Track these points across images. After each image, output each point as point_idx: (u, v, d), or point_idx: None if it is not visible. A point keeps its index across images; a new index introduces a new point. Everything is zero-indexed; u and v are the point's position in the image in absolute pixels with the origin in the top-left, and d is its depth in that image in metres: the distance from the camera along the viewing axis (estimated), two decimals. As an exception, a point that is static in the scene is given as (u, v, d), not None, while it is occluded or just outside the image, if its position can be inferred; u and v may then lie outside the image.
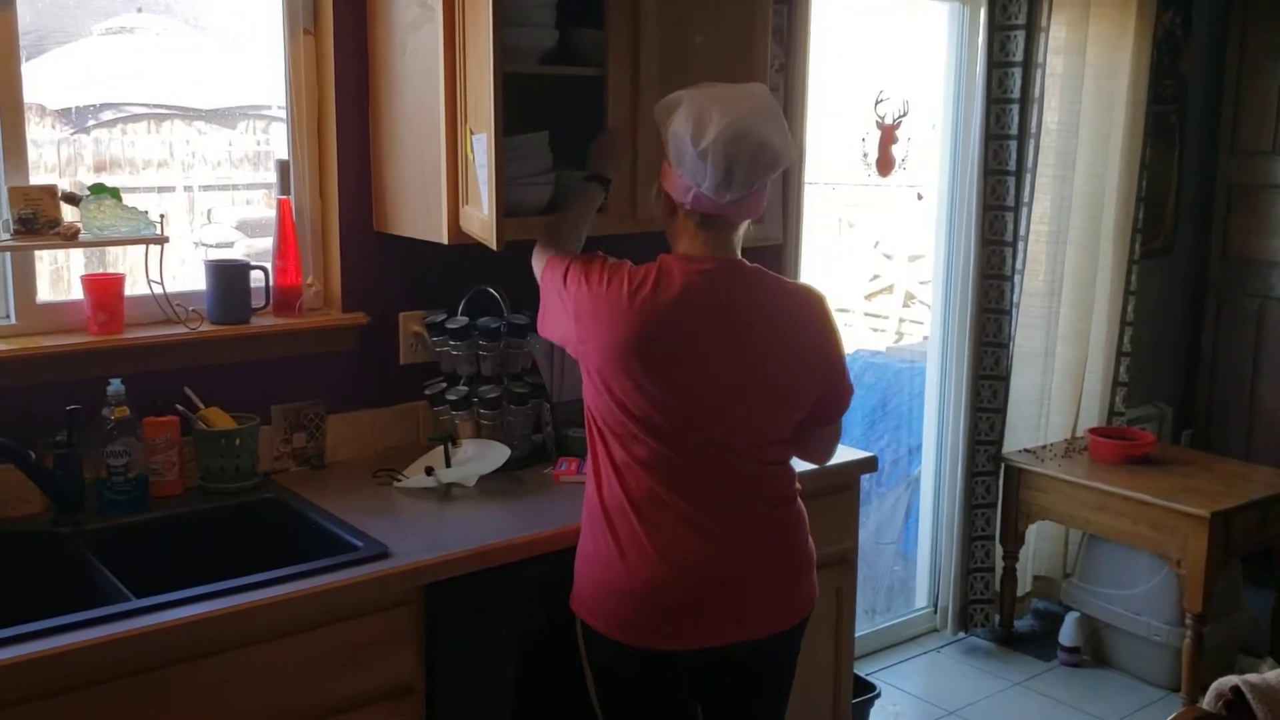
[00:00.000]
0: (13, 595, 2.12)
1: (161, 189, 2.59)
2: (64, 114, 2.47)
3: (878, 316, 6.54)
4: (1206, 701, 1.86)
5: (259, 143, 2.68)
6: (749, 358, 2.03)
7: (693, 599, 2.04)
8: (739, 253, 2.11)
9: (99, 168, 2.52)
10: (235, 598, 1.93)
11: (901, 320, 6.46)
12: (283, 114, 2.63)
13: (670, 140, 2.03)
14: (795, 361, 2.07)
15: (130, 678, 1.83)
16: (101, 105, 2.53)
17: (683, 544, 2.03)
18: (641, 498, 2.04)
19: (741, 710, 2.24)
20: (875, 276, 6.51)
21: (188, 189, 2.64)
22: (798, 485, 2.19)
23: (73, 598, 2.03)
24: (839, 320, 2.18)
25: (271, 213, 2.59)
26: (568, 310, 2.10)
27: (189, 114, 2.60)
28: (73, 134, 2.48)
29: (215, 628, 1.89)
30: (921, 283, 5.22)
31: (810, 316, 2.11)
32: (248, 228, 2.74)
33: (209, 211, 2.69)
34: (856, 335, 5.52)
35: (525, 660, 2.27)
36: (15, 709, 1.73)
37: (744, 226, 2.12)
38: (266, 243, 2.65)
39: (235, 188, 2.71)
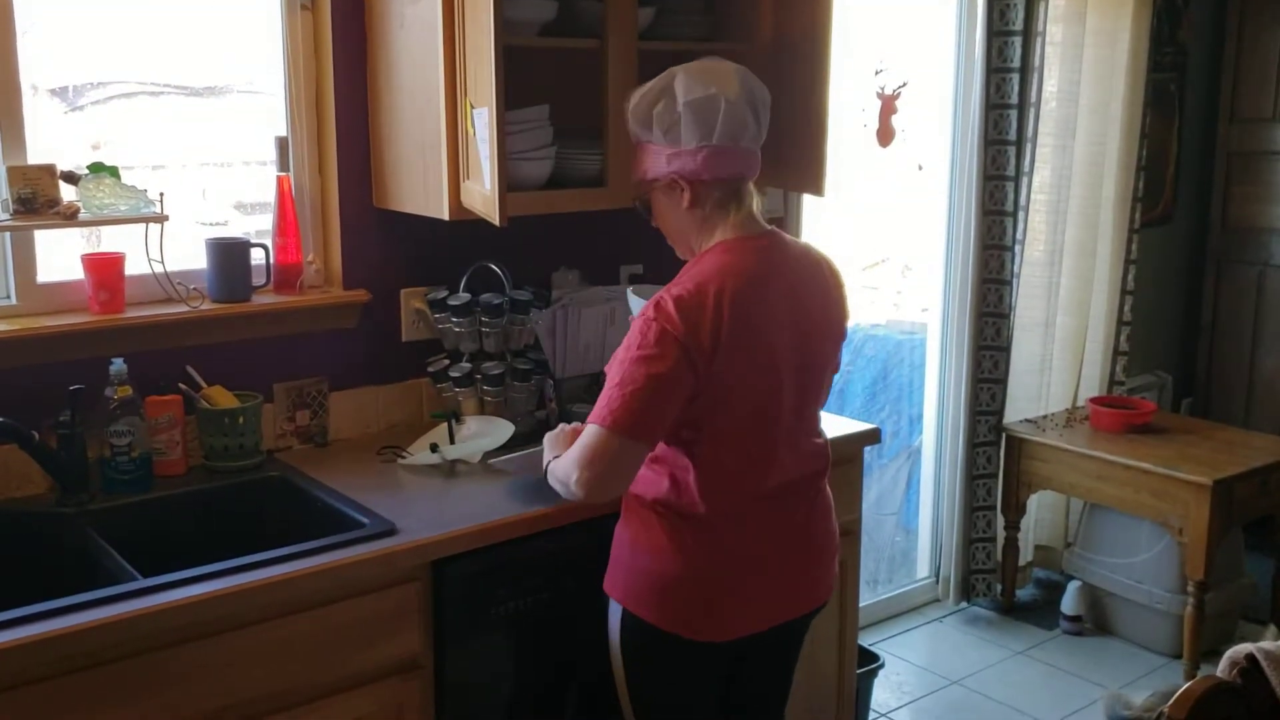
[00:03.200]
0: (18, 576, 2.12)
1: (155, 167, 2.57)
2: (58, 92, 2.45)
3: (874, 289, 6.53)
4: (1221, 670, 1.87)
5: (256, 120, 2.65)
6: (803, 330, 2.01)
7: (738, 587, 2.03)
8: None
9: (93, 146, 2.50)
10: (243, 576, 1.92)
11: (899, 292, 6.45)
12: (278, 91, 2.61)
13: (689, 112, 1.94)
14: (831, 329, 2.09)
15: (138, 657, 1.82)
16: (95, 83, 2.50)
17: (733, 533, 2.01)
18: (692, 487, 2.00)
19: (764, 695, 2.25)
20: (873, 248, 6.50)
21: (183, 167, 2.62)
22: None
23: (78, 578, 2.03)
24: None
25: (268, 191, 2.58)
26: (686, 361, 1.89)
27: (184, 91, 2.57)
28: (66, 112, 2.46)
29: (224, 606, 1.89)
30: (919, 255, 5.21)
31: (833, 282, 2.11)
32: (245, 207, 2.72)
33: (204, 190, 2.68)
34: (856, 307, 5.52)
35: (533, 635, 2.28)
36: (25, 690, 1.73)
37: (757, 194, 2.08)
38: (264, 221, 2.63)
39: (230, 165, 2.69)
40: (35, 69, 2.34)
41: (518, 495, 2.29)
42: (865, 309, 4.72)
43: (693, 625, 2.02)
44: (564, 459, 1.99)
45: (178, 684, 1.86)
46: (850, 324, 2.16)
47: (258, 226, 2.68)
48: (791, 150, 2.60)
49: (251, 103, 2.64)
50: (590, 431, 1.92)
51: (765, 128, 2.01)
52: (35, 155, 2.31)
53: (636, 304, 2.20)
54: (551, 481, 2.05)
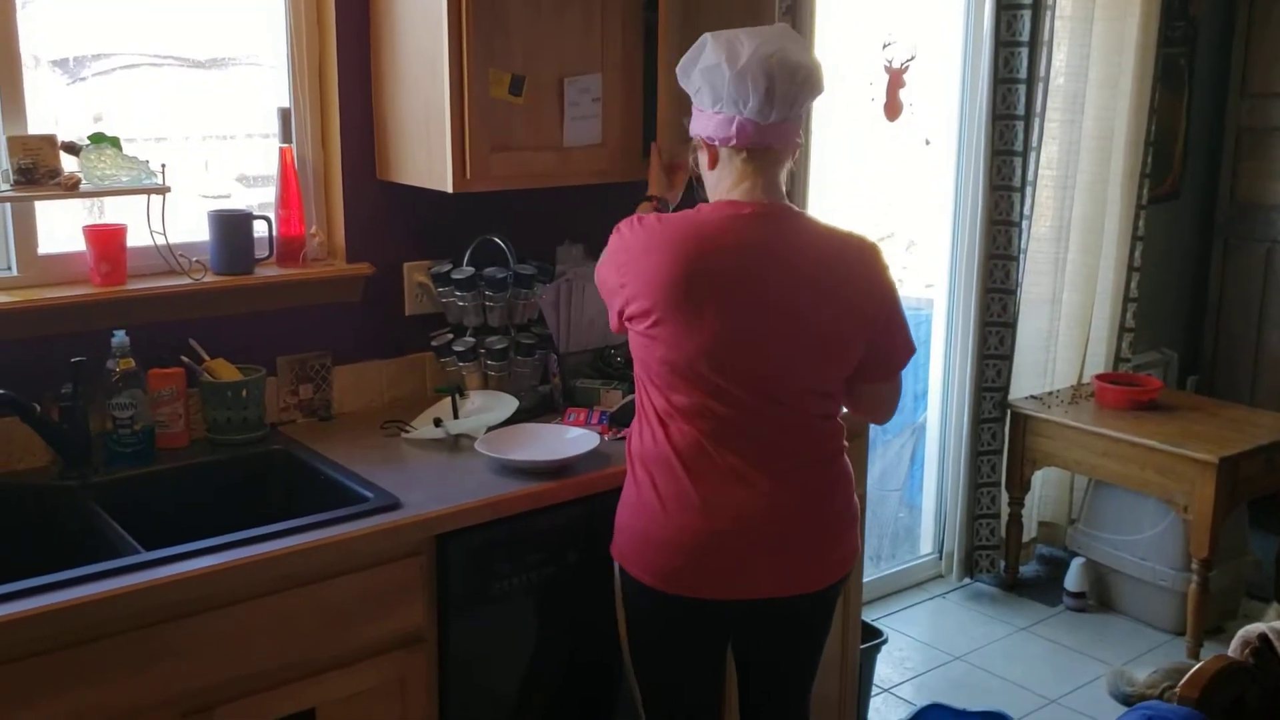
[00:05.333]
0: (21, 549, 2.11)
1: (158, 139, 2.55)
2: (60, 63, 2.43)
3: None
4: (1233, 649, 1.86)
5: (258, 92, 2.63)
6: (796, 305, 1.98)
7: (732, 550, 2.02)
8: (784, 197, 2.08)
9: (95, 118, 2.48)
10: (247, 549, 1.92)
11: (904, 267, 6.44)
12: (278, 63, 2.58)
13: (702, 78, 2.01)
14: (844, 312, 2.01)
15: (142, 630, 1.82)
16: (97, 55, 2.48)
17: (725, 495, 2.01)
18: (684, 447, 2.01)
19: (776, 666, 2.24)
20: (878, 224, 6.48)
21: (185, 139, 2.60)
22: (845, 441, 2.15)
23: (81, 551, 2.02)
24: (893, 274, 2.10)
25: (271, 164, 2.56)
26: (615, 260, 2.07)
27: (186, 63, 2.55)
28: (68, 84, 2.44)
29: (227, 579, 1.88)
30: (924, 231, 5.19)
31: (861, 266, 2.04)
32: (247, 179, 2.69)
33: (206, 163, 2.65)
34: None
35: (535, 609, 2.28)
36: (26, 663, 1.73)
37: (787, 165, 2.08)
38: (267, 194, 2.62)
39: (232, 138, 2.66)
40: (37, 40, 2.32)
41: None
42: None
43: (674, 580, 2.06)
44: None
45: (180, 657, 1.86)
46: (887, 305, 2.06)
47: (261, 199, 2.66)
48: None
49: (254, 75, 2.61)
50: None
51: (791, 103, 1.99)
52: (37, 127, 2.29)
53: None
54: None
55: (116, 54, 2.47)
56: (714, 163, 2.08)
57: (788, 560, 2.07)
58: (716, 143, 2.04)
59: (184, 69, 2.55)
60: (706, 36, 2.03)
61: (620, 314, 2.05)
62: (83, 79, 2.46)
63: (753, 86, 1.95)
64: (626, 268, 2.02)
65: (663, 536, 2.03)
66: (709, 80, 2.00)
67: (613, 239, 2.10)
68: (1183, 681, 1.73)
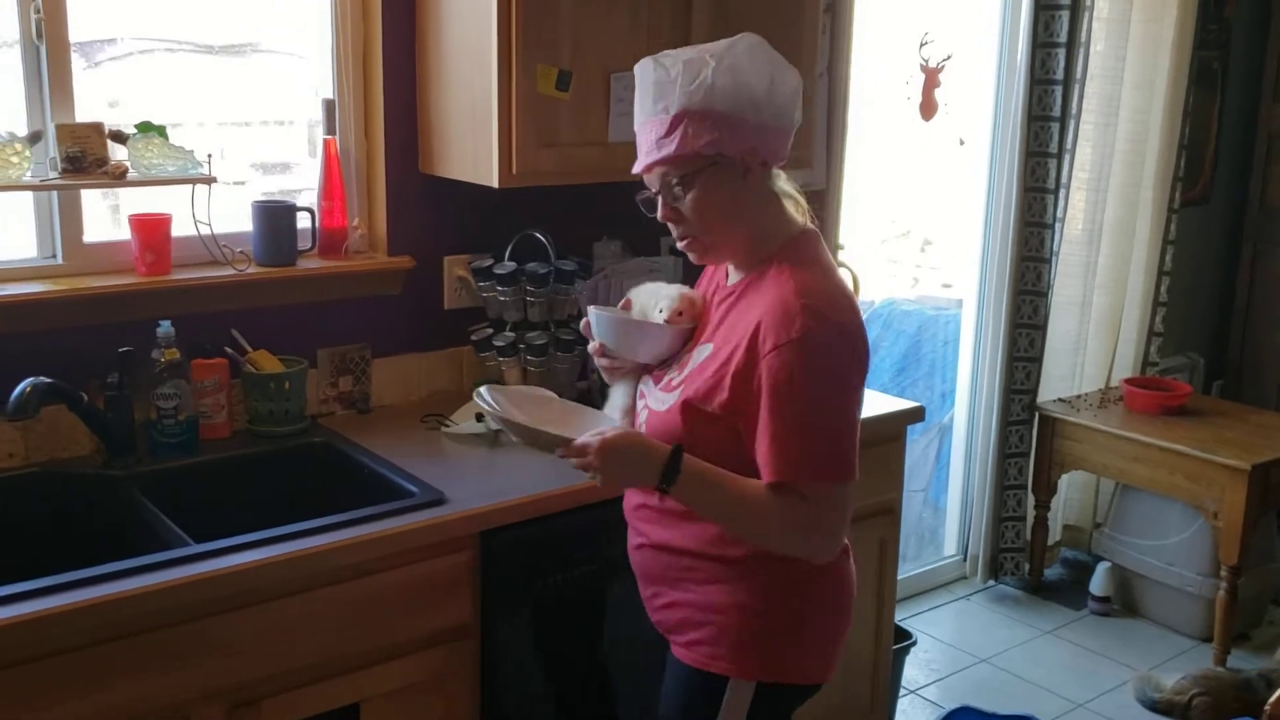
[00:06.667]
0: (67, 537, 2.12)
1: (173, 125, 2.52)
2: (76, 48, 2.39)
3: (895, 263, 6.50)
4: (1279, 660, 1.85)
5: (276, 80, 2.60)
6: None
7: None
8: None
9: (110, 104, 2.45)
10: (297, 542, 1.92)
11: (918, 266, 6.42)
12: (322, 53, 2.57)
13: (752, 92, 1.70)
14: None
15: (190, 623, 1.82)
16: (112, 39, 2.44)
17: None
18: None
19: None
20: (894, 221, 6.46)
21: (200, 125, 2.57)
22: None
23: (127, 541, 2.02)
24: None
25: (288, 152, 2.53)
26: (854, 383, 1.73)
27: (202, 49, 2.51)
28: (84, 69, 2.41)
29: (276, 573, 1.88)
30: (941, 230, 5.19)
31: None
32: (262, 167, 2.67)
33: (221, 150, 2.63)
34: (878, 281, 5.49)
35: (577, 607, 2.27)
36: (80, 653, 1.73)
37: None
38: (283, 181, 2.61)
39: (249, 125, 2.64)
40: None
41: (561, 467, 2.26)
42: (885, 282, 4.71)
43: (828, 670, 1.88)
44: (794, 520, 1.68)
45: (227, 651, 1.86)
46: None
47: (279, 186, 2.65)
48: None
49: (272, 62, 2.58)
50: (827, 491, 1.68)
51: (656, 104, 1.72)
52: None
53: (603, 320, 1.91)
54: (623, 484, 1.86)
55: (132, 39, 2.43)
56: (754, 188, 1.76)
57: None
58: (766, 161, 1.75)
59: (200, 55, 2.51)
60: (719, 49, 1.72)
61: None
62: (97, 64, 2.43)
63: (797, 102, 1.77)
64: (860, 383, 1.74)
65: (841, 629, 1.89)
66: (766, 93, 1.71)
67: (823, 355, 1.66)
68: (1273, 699, 1.71)
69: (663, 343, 1.87)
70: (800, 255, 1.76)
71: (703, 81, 1.68)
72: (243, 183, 2.64)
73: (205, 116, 2.54)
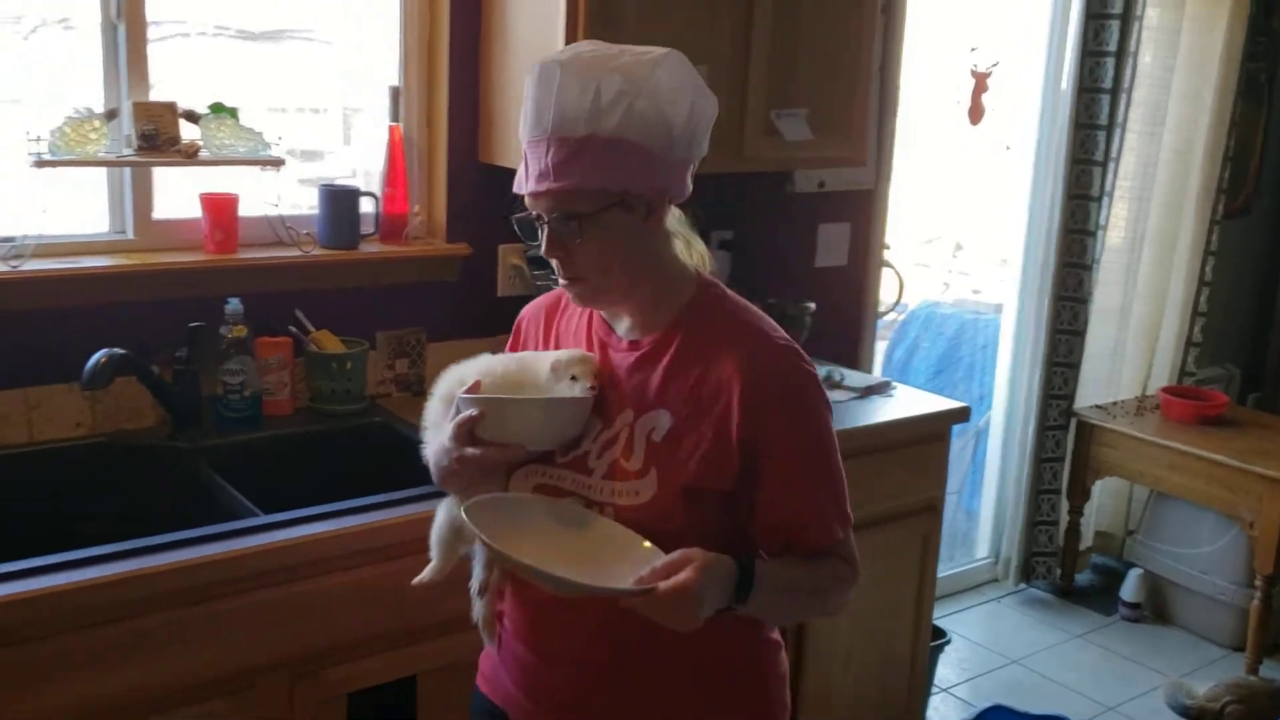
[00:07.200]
0: (136, 505, 2.17)
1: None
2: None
3: (926, 267, 6.52)
4: None
5: (313, 67, 2.64)
6: None
7: None
8: None
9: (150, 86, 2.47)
10: (361, 516, 1.97)
11: (949, 270, 6.44)
12: (331, 39, 2.62)
13: (671, 124, 1.44)
14: None
15: (257, 591, 1.87)
16: (152, 22, 2.47)
17: None
18: None
19: None
20: (924, 225, 6.48)
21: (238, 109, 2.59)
22: None
23: (195, 511, 2.07)
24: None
25: (323, 139, 2.58)
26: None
27: (241, 35, 2.54)
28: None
29: (341, 545, 1.93)
30: (972, 235, 5.21)
31: None
32: (298, 153, 2.69)
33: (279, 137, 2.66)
34: (914, 284, 5.51)
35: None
36: (152, 617, 1.78)
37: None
38: (320, 168, 2.66)
39: (284, 111, 2.67)
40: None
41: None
42: (916, 286, 4.75)
43: None
44: (844, 581, 1.52)
45: (293, 620, 1.91)
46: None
47: (316, 174, 2.69)
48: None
49: (309, 49, 2.62)
50: (851, 540, 1.53)
51: (558, 121, 1.40)
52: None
53: (505, 404, 1.50)
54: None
55: (170, 22, 2.45)
56: (657, 226, 1.50)
57: None
58: (676, 198, 1.51)
59: (239, 40, 2.55)
60: (651, 62, 1.44)
61: None
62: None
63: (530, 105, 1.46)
64: None
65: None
66: (684, 119, 1.46)
67: (821, 403, 1.50)
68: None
69: (583, 418, 1.51)
70: (725, 300, 1.54)
71: (618, 106, 1.39)
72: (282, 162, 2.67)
73: (242, 101, 2.57)
